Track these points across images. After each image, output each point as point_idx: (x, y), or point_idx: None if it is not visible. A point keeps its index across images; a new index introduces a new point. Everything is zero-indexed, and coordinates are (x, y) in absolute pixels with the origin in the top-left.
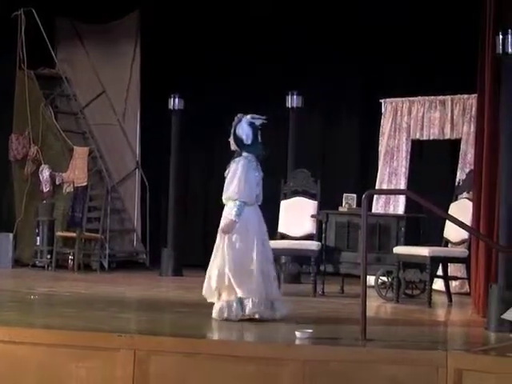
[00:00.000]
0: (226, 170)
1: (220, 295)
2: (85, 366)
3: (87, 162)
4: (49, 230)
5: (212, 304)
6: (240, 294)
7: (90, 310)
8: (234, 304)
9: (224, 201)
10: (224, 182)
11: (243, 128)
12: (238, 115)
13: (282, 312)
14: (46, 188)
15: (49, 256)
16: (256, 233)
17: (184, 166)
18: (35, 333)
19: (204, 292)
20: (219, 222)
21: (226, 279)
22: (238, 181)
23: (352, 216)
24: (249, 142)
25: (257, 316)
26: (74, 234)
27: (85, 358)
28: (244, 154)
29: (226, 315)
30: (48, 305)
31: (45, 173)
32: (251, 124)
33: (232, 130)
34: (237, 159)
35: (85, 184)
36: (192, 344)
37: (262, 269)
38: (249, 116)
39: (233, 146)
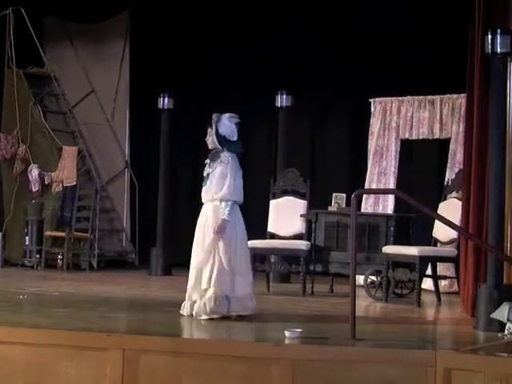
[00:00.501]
0: (204, 168)
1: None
2: (74, 365)
3: (76, 161)
4: (38, 229)
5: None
6: (222, 291)
7: (79, 309)
8: (221, 301)
9: (208, 200)
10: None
11: (226, 125)
12: (215, 115)
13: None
14: (34, 187)
15: (38, 256)
16: (242, 231)
17: (173, 165)
18: (24, 332)
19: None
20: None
21: (214, 277)
22: (230, 181)
23: (341, 216)
24: (234, 138)
25: (241, 313)
26: (63, 234)
27: (74, 357)
28: (226, 153)
29: (209, 312)
30: (37, 304)
31: (34, 172)
32: (231, 121)
33: (214, 129)
34: (224, 159)
35: (74, 183)
36: (181, 343)
37: (240, 267)
38: (227, 115)
39: (212, 145)
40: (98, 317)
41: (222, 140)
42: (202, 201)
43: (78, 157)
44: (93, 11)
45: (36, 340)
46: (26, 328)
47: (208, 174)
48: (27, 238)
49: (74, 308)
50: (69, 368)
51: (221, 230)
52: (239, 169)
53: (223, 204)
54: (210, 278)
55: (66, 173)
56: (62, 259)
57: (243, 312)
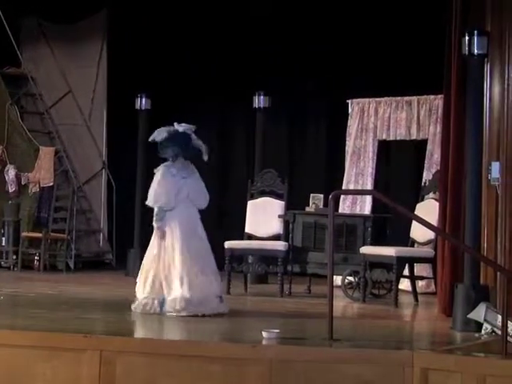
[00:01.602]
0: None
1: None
2: (50, 366)
3: (53, 162)
4: (14, 230)
5: None
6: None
7: (55, 310)
8: (156, 302)
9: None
10: None
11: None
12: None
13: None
14: (11, 188)
15: (14, 256)
16: (183, 235)
17: (151, 166)
18: (0, 334)
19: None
20: None
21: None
22: (151, 188)
23: (319, 216)
24: (165, 144)
25: (183, 313)
26: (39, 235)
27: (51, 358)
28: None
29: (151, 310)
30: (13, 305)
31: (10, 173)
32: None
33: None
34: (156, 168)
35: (51, 184)
36: (158, 345)
37: (187, 267)
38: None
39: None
40: (75, 318)
41: (158, 147)
42: None
43: (55, 157)
44: (69, 11)
45: (12, 341)
46: (2, 329)
47: None
48: (3, 238)
49: (50, 309)
50: (45, 369)
51: (158, 236)
52: (168, 175)
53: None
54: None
55: (42, 173)
56: (39, 260)
57: (199, 312)
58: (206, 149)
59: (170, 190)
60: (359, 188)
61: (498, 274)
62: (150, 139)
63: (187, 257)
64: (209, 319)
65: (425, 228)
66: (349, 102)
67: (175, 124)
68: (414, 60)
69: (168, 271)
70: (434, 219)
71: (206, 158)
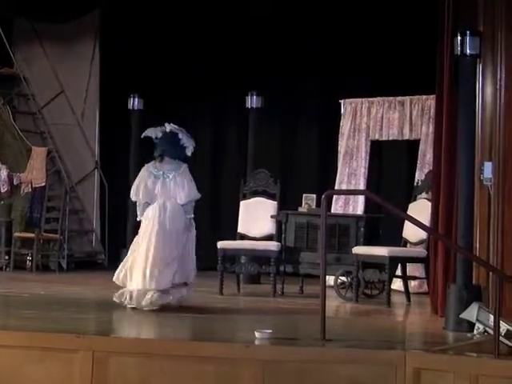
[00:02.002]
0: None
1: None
2: (43, 367)
3: (45, 162)
4: (7, 230)
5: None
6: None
7: (48, 310)
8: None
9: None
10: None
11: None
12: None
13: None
14: (3, 188)
15: (7, 257)
16: (154, 229)
17: (143, 166)
18: None
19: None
20: None
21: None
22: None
23: (311, 216)
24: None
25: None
26: (32, 235)
27: (43, 359)
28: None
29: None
30: (6, 306)
31: (2, 173)
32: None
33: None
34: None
35: (43, 184)
36: (151, 345)
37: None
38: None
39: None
40: (68, 318)
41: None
42: None
43: (47, 157)
44: (62, 11)
45: (5, 342)
46: None
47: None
48: None
49: (43, 309)
50: (38, 370)
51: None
52: (145, 172)
53: None
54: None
55: (35, 174)
56: (31, 260)
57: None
58: (192, 146)
59: (138, 185)
60: (352, 188)
61: (491, 274)
62: (142, 135)
63: (152, 247)
64: (202, 319)
65: (417, 228)
66: (341, 102)
67: (165, 124)
68: (406, 60)
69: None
70: (426, 219)
71: (189, 153)
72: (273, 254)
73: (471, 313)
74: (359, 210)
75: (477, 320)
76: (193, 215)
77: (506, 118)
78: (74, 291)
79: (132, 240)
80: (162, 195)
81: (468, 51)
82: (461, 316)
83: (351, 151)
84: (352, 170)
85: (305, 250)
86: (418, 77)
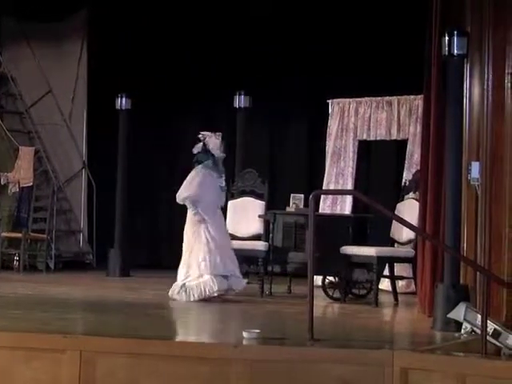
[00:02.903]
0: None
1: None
2: (30, 367)
3: (33, 162)
4: None
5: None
6: None
7: (35, 311)
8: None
9: None
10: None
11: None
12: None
13: None
14: None
15: None
16: None
17: (131, 166)
18: None
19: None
20: (168, 223)
21: None
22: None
23: (299, 216)
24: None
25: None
26: (19, 235)
27: (30, 359)
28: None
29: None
30: None
31: None
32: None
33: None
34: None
35: (30, 184)
36: (139, 345)
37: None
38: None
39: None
40: (55, 318)
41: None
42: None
43: (34, 157)
44: (49, 10)
45: None
46: None
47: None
48: None
49: (30, 309)
50: (24, 370)
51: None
52: None
53: None
54: None
55: (22, 173)
56: (19, 260)
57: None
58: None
59: None
60: (340, 188)
61: (478, 273)
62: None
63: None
64: (190, 319)
65: (405, 228)
66: (329, 101)
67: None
68: (394, 60)
69: None
70: (414, 219)
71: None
72: (261, 254)
73: (459, 312)
74: (347, 209)
75: (464, 320)
76: (195, 210)
77: (493, 118)
78: (61, 291)
79: (120, 241)
80: None
81: (455, 51)
82: (448, 316)
83: (339, 151)
84: (340, 170)
85: (293, 250)
86: (406, 77)
